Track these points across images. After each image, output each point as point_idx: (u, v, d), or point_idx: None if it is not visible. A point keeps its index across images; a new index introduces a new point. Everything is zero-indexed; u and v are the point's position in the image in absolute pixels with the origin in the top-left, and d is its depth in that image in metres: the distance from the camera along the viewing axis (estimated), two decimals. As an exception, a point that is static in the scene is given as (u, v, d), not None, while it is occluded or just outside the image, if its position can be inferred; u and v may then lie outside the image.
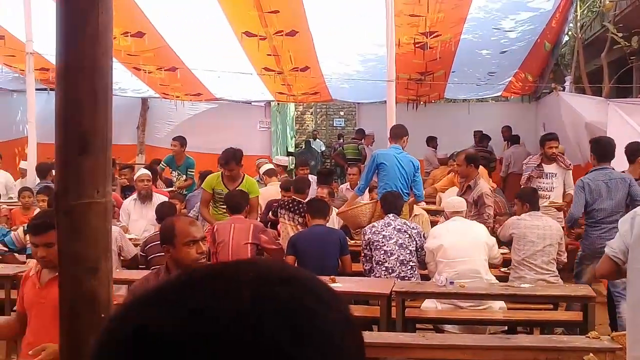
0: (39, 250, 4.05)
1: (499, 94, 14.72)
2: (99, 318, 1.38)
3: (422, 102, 14.51)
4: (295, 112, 21.20)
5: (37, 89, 10.76)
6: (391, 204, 6.96)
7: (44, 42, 10.64)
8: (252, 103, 15.88)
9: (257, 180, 11.39)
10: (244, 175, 8.24)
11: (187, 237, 3.83)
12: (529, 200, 6.96)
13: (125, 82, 13.82)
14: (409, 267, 6.56)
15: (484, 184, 8.03)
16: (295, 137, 20.83)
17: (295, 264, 6.71)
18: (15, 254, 7.51)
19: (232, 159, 7.98)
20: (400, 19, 9.80)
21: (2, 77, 14.23)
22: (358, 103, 17.38)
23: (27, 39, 9.75)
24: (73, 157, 1.38)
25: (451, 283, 5.89)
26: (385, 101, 9.42)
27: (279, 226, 8.33)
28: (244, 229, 6.89)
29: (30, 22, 9.56)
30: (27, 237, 6.40)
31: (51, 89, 14.93)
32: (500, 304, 6.22)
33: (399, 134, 8.19)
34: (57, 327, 3.99)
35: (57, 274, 3.99)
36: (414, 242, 6.64)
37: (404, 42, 10.96)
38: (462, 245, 6.36)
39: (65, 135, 1.39)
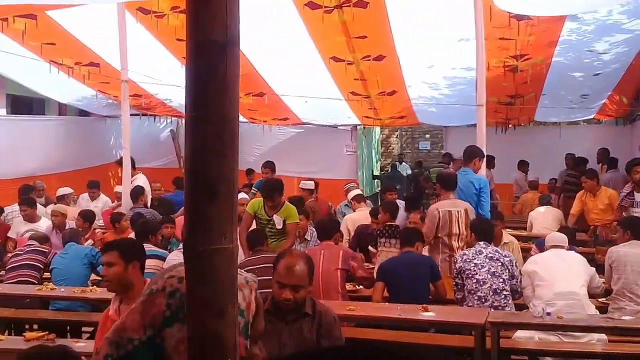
0: (103, 269, 4.24)
1: (591, 116, 14.36)
2: (224, 362, 1.40)
3: (511, 125, 14.30)
4: (381, 135, 21.19)
5: (130, 115, 11.07)
6: (483, 231, 6.84)
7: (137, 69, 10.99)
8: (339, 127, 15.97)
9: (345, 205, 11.44)
10: (284, 202, 8.29)
11: (281, 279, 3.91)
12: (632, 228, 6.74)
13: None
14: (502, 296, 6.42)
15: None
16: (380, 160, 20.81)
17: (385, 291, 6.69)
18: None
19: (275, 191, 8.08)
20: (490, 43, 9.70)
21: (96, 103, 14.72)
22: (445, 127, 17.26)
23: (122, 67, 10.06)
24: (201, 204, 1.41)
25: (548, 314, 5.74)
26: (473, 124, 9.32)
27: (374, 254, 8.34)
28: (334, 255, 6.89)
29: (125, 50, 9.88)
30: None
31: (143, 114, 15.38)
32: (599, 336, 6.02)
33: (469, 155, 8.13)
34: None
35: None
36: (507, 271, 6.51)
37: (493, 66, 10.84)
38: (560, 268, 6.21)
39: (194, 182, 1.42)
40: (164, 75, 12.00)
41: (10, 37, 10.64)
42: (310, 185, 11.56)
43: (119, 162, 11.71)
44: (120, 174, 11.60)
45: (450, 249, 7.45)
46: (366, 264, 7.87)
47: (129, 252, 4.21)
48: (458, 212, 7.50)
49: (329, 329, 4.05)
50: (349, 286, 7.15)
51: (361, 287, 7.30)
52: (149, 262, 4.79)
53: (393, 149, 24.33)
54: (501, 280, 6.45)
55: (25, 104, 16.82)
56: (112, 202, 12.19)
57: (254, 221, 8.23)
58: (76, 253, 7.67)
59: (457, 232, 7.48)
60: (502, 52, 10.58)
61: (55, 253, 7.90)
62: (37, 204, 10.34)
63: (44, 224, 9.80)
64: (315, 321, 4.02)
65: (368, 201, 11.59)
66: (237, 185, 1.43)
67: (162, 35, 10.59)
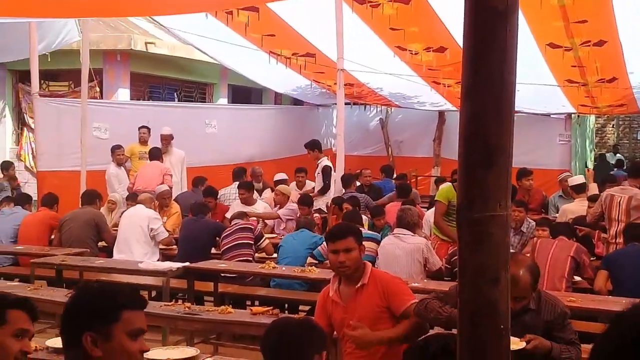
0: (340, 255, 4.23)
1: None
2: (497, 329, 1.41)
3: None
4: (595, 125, 20.21)
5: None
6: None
7: (350, 58, 11.21)
8: (552, 116, 15.41)
9: (559, 195, 11.03)
10: None
11: None
12: None
13: (425, 96, 14.11)
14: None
15: None
16: (594, 150, 19.86)
17: (609, 282, 6.41)
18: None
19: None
20: None
21: (310, 92, 15.20)
22: (669, 116, 16.16)
23: (339, 56, 10.30)
24: (478, 172, 1.42)
25: None
26: None
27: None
28: (567, 245, 6.79)
29: (342, 40, 10.10)
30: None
31: (354, 104, 15.68)
32: None
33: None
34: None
35: (356, 286, 4.21)
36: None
37: None
38: None
39: (470, 149, 1.44)
40: (377, 64, 12.17)
41: (234, 29, 11.23)
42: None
43: (309, 145, 12.14)
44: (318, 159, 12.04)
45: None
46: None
47: (359, 236, 4.36)
48: (621, 198, 7.22)
49: (558, 323, 3.92)
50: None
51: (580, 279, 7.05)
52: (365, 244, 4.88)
53: (608, 138, 23.12)
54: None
55: (245, 93, 17.75)
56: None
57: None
58: (305, 239, 7.97)
59: (616, 217, 7.25)
60: None
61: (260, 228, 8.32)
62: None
63: (260, 207, 10.29)
64: (542, 315, 3.91)
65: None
66: (512, 154, 1.43)
67: (376, 24, 10.73)
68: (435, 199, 8.36)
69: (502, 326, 1.40)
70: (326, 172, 11.48)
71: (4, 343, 2.83)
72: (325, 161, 12.14)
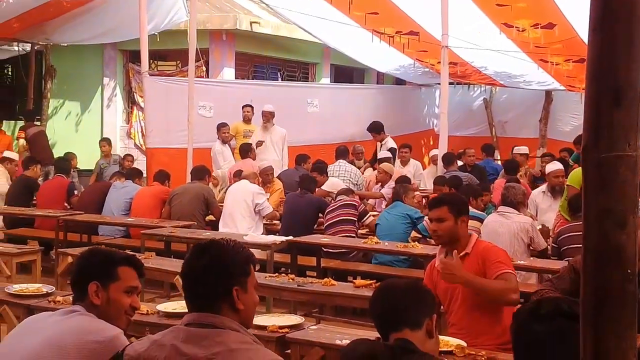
0: (432, 224, 4.42)
1: None
2: (624, 273, 1.36)
3: None
4: None
5: (447, 83, 11.18)
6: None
7: (455, 36, 11.03)
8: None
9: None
10: None
11: None
12: None
13: (531, 75, 13.76)
14: None
15: None
16: None
17: None
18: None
19: None
20: None
21: (412, 72, 15.08)
22: None
23: (443, 32, 10.14)
24: (605, 110, 1.36)
25: None
26: None
27: None
28: None
29: (446, 16, 9.94)
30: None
31: (457, 83, 15.46)
32: None
33: None
34: (471, 304, 4.10)
35: (459, 255, 4.17)
36: None
37: None
38: None
39: (598, 86, 1.38)
40: (482, 42, 11.94)
41: (337, 7, 11.25)
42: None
43: (374, 129, 12.48)
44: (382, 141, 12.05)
45: None
46: None
47: (457, 208, 4.38)
48: None
49: None
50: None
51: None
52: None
53: None
54: None
55: (347, 73, 17.78)
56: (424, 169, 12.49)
57: None
58: (400, 212, 7.94)
59: None
60: None
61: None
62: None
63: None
64: None
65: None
66: (640, 92, 1.37)
67: (482, 0, 10.54)
68: (568, 184, 8.14)
69: (629, 270, 1.35)
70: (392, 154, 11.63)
71: (118, 299, 2.95)
72: (390, 142, 12.19)
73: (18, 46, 14.49)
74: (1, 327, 5.95)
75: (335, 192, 8.94)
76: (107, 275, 2.95)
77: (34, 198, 10.03)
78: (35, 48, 14.54)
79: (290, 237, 7.49)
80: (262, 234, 8.67)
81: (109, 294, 2.93)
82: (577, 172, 8.11)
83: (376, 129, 12.59)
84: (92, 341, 2.75)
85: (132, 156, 12.95)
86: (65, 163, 10.61)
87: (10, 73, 16.83)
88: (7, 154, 11.35)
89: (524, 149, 12.02)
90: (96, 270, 2.97)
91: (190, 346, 2.39)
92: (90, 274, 2.95)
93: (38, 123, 13.94)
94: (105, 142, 13.09)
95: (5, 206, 9.87)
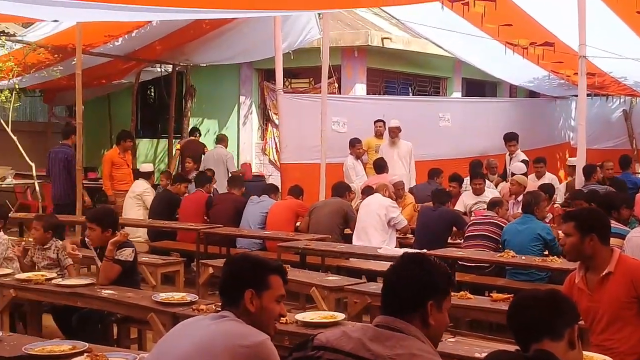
0: (561, 239, 4.54)
1: None
2: None
3: None
4: None
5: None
6: None
7: (593, 45, 10.68)
8: None
9: None
10: None
11: None
12: None
13: None
14: None
15: None
16: None
17: None
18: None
19: None
20: None
21: (547, 84, 14.73)
22: None
23: (580, 42, 9.83)
24: None
25: None
26: None
27: None
28: None
29: (584, 25, 9.63)
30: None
31: (595, 94, 14.96)
32: None
33: None
34: (618, 325, 3.96)
35: (601, 274, 4.02)
36: None
37: None
38: None
39: None
40: (621, 51, 11.53)
41: (469, 20, 11.15)
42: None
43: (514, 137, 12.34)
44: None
45: None
46: None
47: (586, 224, 4.24)
48: None
49: None
50: None
51: None
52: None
53: None
54: None
55: (479, 87, 17.60)
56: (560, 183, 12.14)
57: None
58: (532, 233, 7.69)
59: None
60: None
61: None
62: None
63: (489, 195, 10.15)
64: None
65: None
66: None
67: (620, 8, 10.18)
68: None
69: None
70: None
71: (270, 307, 3.07)
72: (521, 154, 11.91)
73: (160, 67, 15.21)
74: (148, 335, 6.28)
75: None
76: (261, 283, 3.06)
77: (176, 213, 10.48)
78: (177, 69, 15.23)
79: (424, 251, 7.48)
80: (395, 247, 8.71)
81: (262, 302, 3.04)
82: None
83: (515, 138, 12.40)
84: (240, 345, 2.87)
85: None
86: (205, 178, 11.05)
87: (153, 93, 17.71)
88: (144, 166, 11.91)
89: None
90: (249, 277, 3.07)
91: (376, 344, 2.54)
92: (244, 281, 3.06)
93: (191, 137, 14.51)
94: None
95: (150, 219, 10.37)
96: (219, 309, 3.17)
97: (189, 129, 14.87)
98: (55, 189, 11.42)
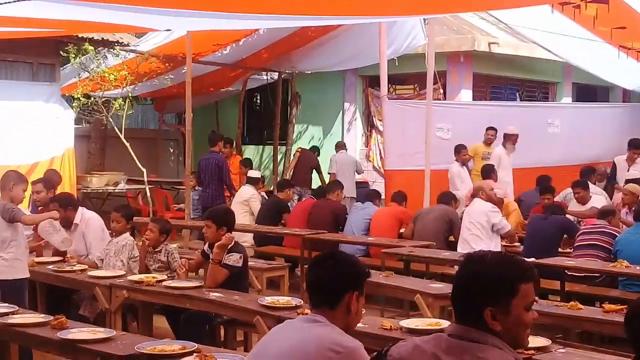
0: None
1: None
2: None
3: None
4: None
5: None
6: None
7: None
8: None
9: None
10: None
11: None
12: None
13: None
14: None
15: None
16: None
17: None
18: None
19: None
20: None
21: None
22: None
23: None
24: None
25: None
26: None
27: None
28: None
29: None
30: None
31: None
32: None
33: None
34: None
35: None
36: None
37: None
38: None
39: None
40: None
41: (580, 24, 10.83)
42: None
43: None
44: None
45: None
46: None
47: None
48: None
49: None
50: None
51: None
52: None
53: None
54: None
55: (590, 91, 17.07)
56: None
57: None
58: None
59: None
60: None
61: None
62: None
63: (595, 203, 9.81)
64: None
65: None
66: None
67: None
68: None
69: None
70: None
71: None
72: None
73: (267, 75, 15.48)
74: (254, 337, 6.37)
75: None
76: (361, 284, 3.09)
77: (283, 219, 10.61)
78: (282, 76, 15.45)
79: (533, 259, 7.29)
80: (501, 254, 8.52)
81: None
82: None
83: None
84: (332, 350, 2.87)
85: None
86: (285, 183, 11.25)
87: (259, 101, 18.04)
88: (251, 173, 12.13)
89: None
90: (353, 279, 3.08)
91: (452, 358, 2.42)
92: (345, 282, 3.06)
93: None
94: None
95: (256, 224, 10.54)
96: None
97: (309, 147, 15.26)
98: (207, 194, 11.78)
